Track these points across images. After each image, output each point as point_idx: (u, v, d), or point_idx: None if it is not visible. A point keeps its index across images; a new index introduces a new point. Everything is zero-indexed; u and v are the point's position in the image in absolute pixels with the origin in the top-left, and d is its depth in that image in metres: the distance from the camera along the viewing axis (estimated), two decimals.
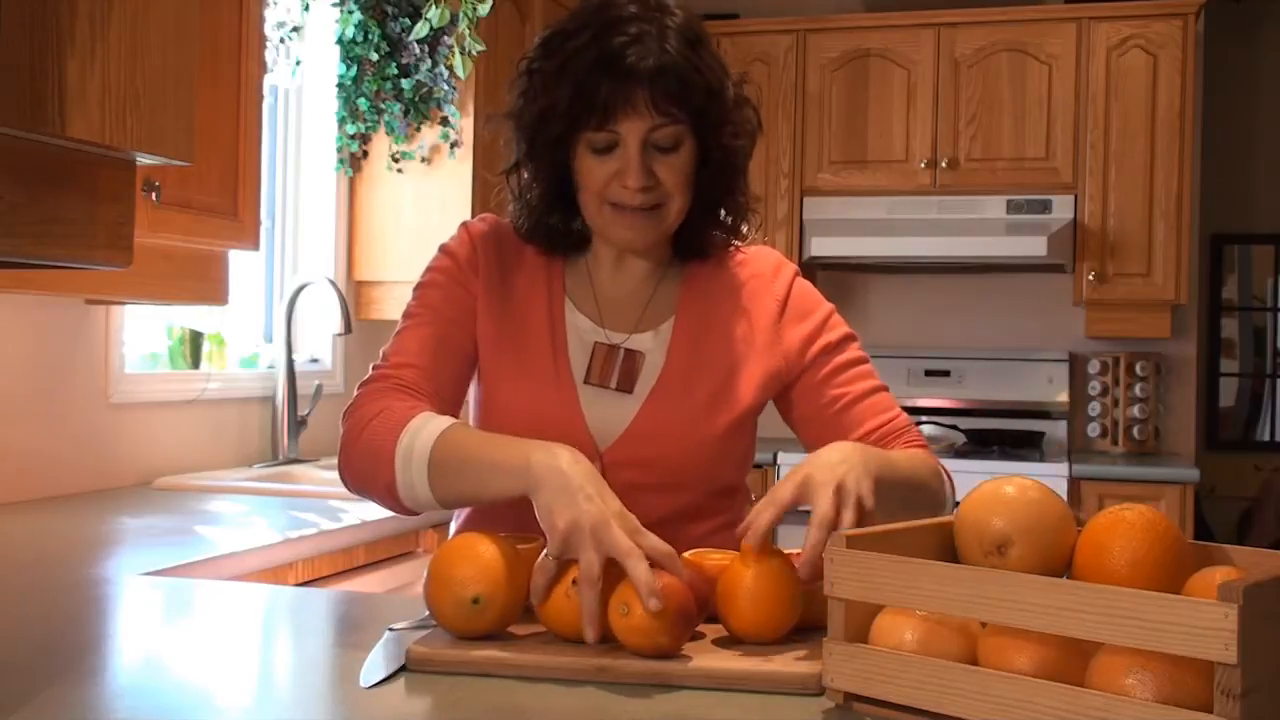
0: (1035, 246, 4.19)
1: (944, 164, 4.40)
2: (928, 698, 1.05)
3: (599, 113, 1.48)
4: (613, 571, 1.23)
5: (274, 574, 2.16)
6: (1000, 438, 4.37)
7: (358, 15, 3.47)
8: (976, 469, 3.92)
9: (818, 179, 4.53)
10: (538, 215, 1.61)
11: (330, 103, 3.60)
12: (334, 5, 3.49)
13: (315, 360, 3.71)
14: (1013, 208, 4.30)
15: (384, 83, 3.54)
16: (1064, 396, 4.52)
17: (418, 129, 3.66)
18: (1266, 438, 5.25)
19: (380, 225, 3.78)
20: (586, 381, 1.59)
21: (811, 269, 4.53)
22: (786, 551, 1.39)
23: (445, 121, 3.64)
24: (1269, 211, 5.18)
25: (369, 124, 3.60)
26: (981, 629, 1.09)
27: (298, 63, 3.49)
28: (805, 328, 1.64)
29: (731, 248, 1.69)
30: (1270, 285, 5.25)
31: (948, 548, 1.15)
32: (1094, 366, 4.48)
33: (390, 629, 1.34)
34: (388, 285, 3.80)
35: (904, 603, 1.08)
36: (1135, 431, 4.40)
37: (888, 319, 4.78)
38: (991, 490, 1.13)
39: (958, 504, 1.17)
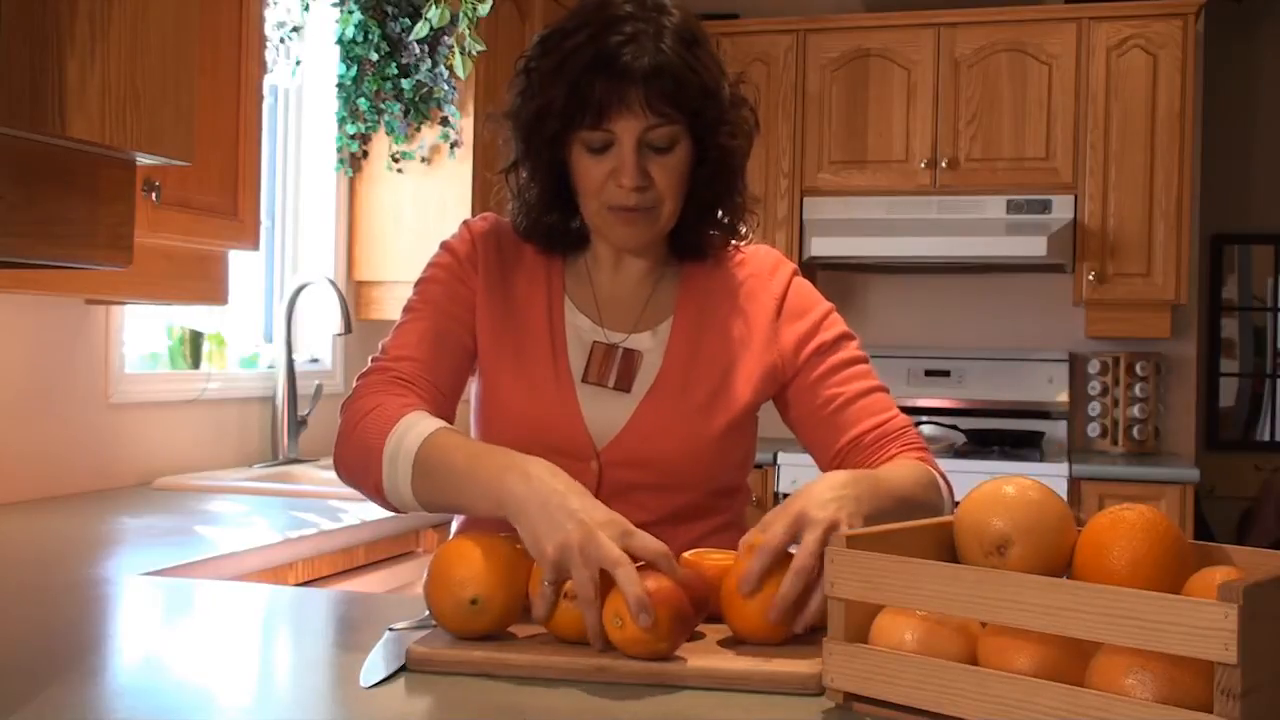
0: (1035, 246, 4.19)
1: (944, 164, 4.40)
2: (928, 698, 1.05)
3: (593, 112, 1.49)
4: (609, 579, 1.22)
5: (274, 574, 2.16)
6: (1000, 438, 4.37)
7: (358, 15, 3.47)
8: (976, 469, 3.92)
9: (818, 179, 4.53)
10: (536, 214, 1.61)
11: (330, 103, 3.60)
12: (334, 5, 3.49)
13: (315, 360, 3.71)
14: (1013, 208, 4.30)
15: (384, 83, 3.54)
16: (1064, 396, 4.52)
17: (418, 129, 3.66)
18: (1266, 438, 5.25)
19: (380, 225, 3.78)
20: (585, 380, 1.59)
21: (811, 269, 4.54)
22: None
23: (445, 121, 3.64)
24: (1269, 211, 5.18)
25: (369, 124, 3.60)
26: (981, 629, 1.09)
27: (298, 63, 3.48)
28: (801, 326, 1.64)
29: (730, 248, 1.69)
30: (1270, 285, 5.25)
31: (948, 548, 1.15)
32: (1094, 366, 4.48)
33: (390, 629, 1.34)
34: (388, 285, 3.79)
35: (904, 603, 1.08)
36: (1135, 431, 4.40)
37: (888, 319, 4.78)
38: (991, 490, 1.13)
39: (957, 504, 1.17)
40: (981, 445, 4.34)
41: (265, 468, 3.23)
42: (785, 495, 4.10)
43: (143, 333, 3.07)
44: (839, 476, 1.36)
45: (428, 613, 1.35)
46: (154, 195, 2.33)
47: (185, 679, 1.27)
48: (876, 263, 4.54)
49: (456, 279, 1.61)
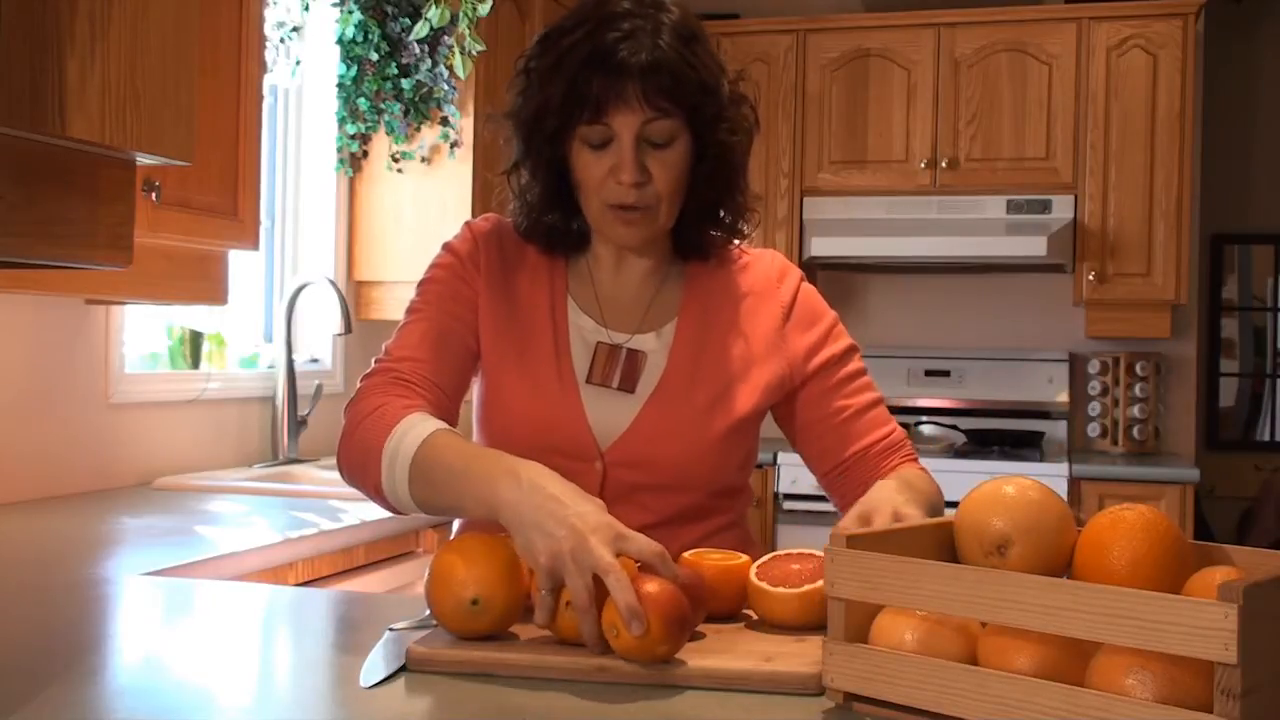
0: (1035, 246, 4.19)
1: (944, 164, 4.40)
2: (928, 698, 1.05)
3: (591, 107, 1.49)
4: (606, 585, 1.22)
5: (274, 574, 2.16)
6: (1000, 438, 4.37)
7: (358, 15, 3.47)
8: (976, 469, 3.92)
9: (818, 179, 4.53)
10: (537, 214, 1.61)
11: (330, 103, 3.60)
12: (334, 5, 3.49)
13: (315, 360, 3.71)
14: (1013, 208, 4.30)
15: (384, 83, 3.54)
16: (1064, 396, 4.52)
17: (418, 129, 3.66)
18: (1266, 438, 5.25)
19: (380, 225, 3.78)
20: (589, 381, 1.59)
21: (811, 269, 4.54)
22: (790, 552, 1.39)
23: (445, 121, 3.64)
24: (1269, 211, 5.18)
25: (369, 124, 3.60)
26: (981, 629, 1.09)
27: (298, 63, 3.49)
28: (811, 336, 1.65)
29: (734, 248, 1.69)
30: (1270, 285, 5.25)
31: (948, 548, 1.15)
32: (1094, 366, 4.48)
33: (390, 629, 1.34)
34: (388, 285, 3.80)
35: (904, 603, 1.08)
36: (1135, 431, 4.40)
37: (888, 319, 4.78)
38: (991, 490, 1.13)
39: (957, 503, 1.17)
40: (981, 445, 4.34)
41: (265, 468, 3.23)
42: (785, 495, 4.12)
43: (143, 333, 3.07)
44: (890, 485, 1.49)
45: (428, 613, 1.35)
46: (154, 195, 2.33)
47: (185, 679, 1.26)
48: (876, 263, 4.54)
49: (459, 279, 1.61)
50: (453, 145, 3.66)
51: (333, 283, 3.36)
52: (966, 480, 1.36)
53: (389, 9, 3.53)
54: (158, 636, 1.52)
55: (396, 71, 3.54)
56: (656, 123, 1.50)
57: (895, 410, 4.60)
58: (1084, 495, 4.01)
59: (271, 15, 3.22)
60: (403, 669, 1.21)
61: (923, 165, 4.41)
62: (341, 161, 3.67)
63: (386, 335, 1.62)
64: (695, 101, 1.52)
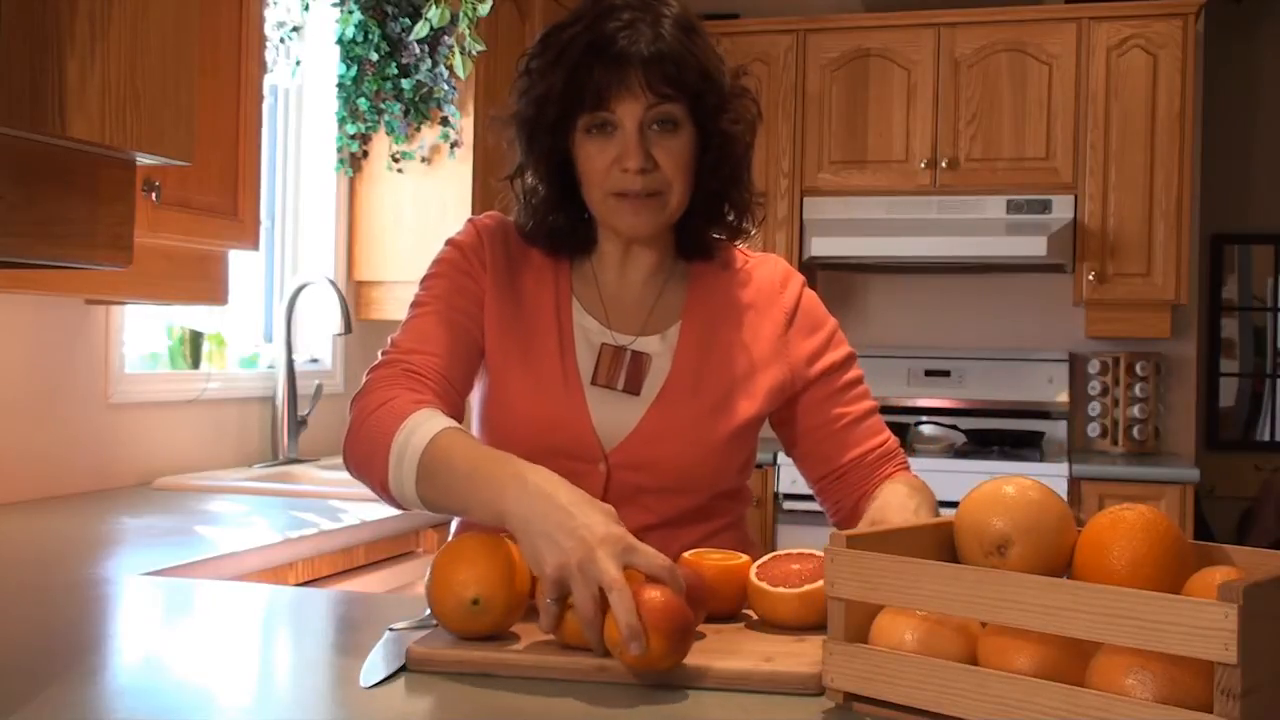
0: (1035, 246, 4.19)
1: (944, 164, 4.40)
2: (928, 698, 1.05)
3: (593, 96, 1.50)
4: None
5: (274, 574, 2.16)
6: (1000, 438, 4.37)
7: (358, 15, 3.47)
8: (976, 469, 3.92)
9: (818, 179, 4.53)
10: (541, 215, 1.61)
11: (330, 103, 3.60)
12: (334, 5, 3.49)
13: (315, 360, 3.71)
14: (1013, 208, 4.30)
15: (384, 83, 3.54)
16: (1064, 396, 4.52)
17: (418, 129, 3.66)
18: (1266, 438, 5.25)
19: (380, 225, 3.78)
20: (593, 383, 1.59)
21: (811, 269, 4.54)
22: (790, 552, 1.39)
23: (445, 121, 3.64)
24: (1269, 211, 5.18)
25: (369, 124, 3.60)
26: (981, 629, 1.09)
27: (298, 63, 3.49)
28: (813, 342, 1.65)
29: (737, 251, 1.69)
30: (1270, 285, 5.25)
31: (948, 548, 1.15)
32: (1094, 366, 4.48)
33: (390, 629, 1.34)
34: (388, 285, 3.80)
35: (904, 603, 1.08)
36: (1135, 431, 4.40)
37: (888, 319, 4.78)
38: (991, 490, 1.13)
39: (957, 504, 1.17)
40: (981, 445, 4.34)
41: (265, 468, 3.23)
42: (785, 495, 4.12)
43: (143, 333, 3.07)
44: (905, 490, 1.54)
45: (428, 613, 1.35)
46: (154, 195, 2.33)
47: (185, 679, 1.26)
48: (876, 263, 4.54)
49: (465, 274, 1.61)
50: (453, 145, 3.66)
51: (333, 283, 3.36)
52: (966, 480, 1.36)
53: (389, 9, 3.53)
54: (158, 636, 1.52)
55: (396, 71, 3.54)
56: (660, 108, 1.51)
57: (895, 410, 4.63)
58: (1084, 495, 4.01)
59: (271, 15, 3.22)
60: (403, 669, 1.21)
61: (923, 165, 4.41)
62: (341, 161, 3.67)
63: (386, 335, 1.62)
64: (698, 89, 1.53)
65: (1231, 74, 5.06)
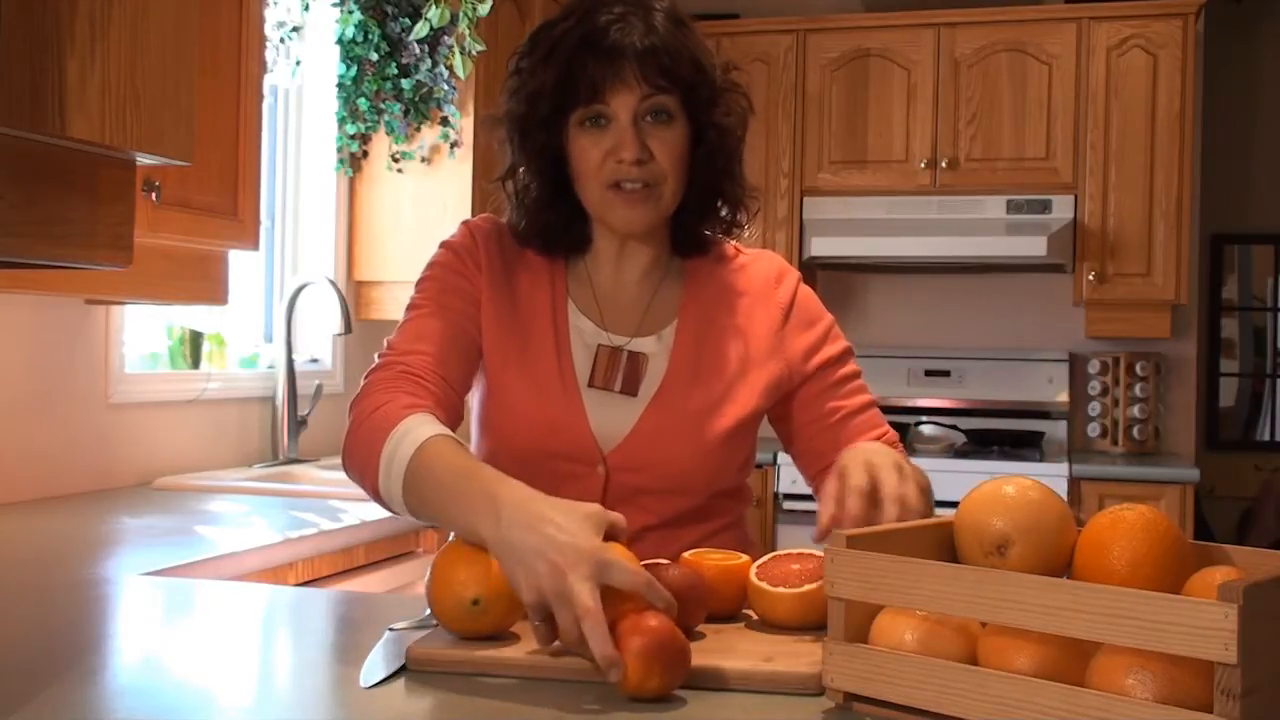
0: (1035, 246, 4.19)
1: (944, 164, 4.40)
2: (928, 698, 1.05)
3: (588, 89, 1.50)
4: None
5: (274, 574, 2.16)
6: (1000, 438, 4.37)
7: (358, 15, 3.47)
8: (976, 469, 3.92)
9: (818, 179, 4.53)
10: (534, 213, 1.60)
11: (330, 103, 3.60)
12: (334, 5, 3.49)
13: (315, 360, 3.71)
14: (1013, 208, 4.30)
15: (384, 83, 3.54)
16: (1064, 396, 4.52)
17: (418, 129, 3.66)
18: (1266, 438, 5.25)
19: (380, 225, 3.78)
20: (590, 385, 1.58)
21: (811, 269, 4.54)
22: (790, 552, 1.39)
23: (445, 121, 3.64)
24: (1269, 211, 5.18)
25: (369, 124, 3.60)
26: (981, 629, 1.09)
27: (298, 63, 3.49)
28: (809, 337, 1.65)
29: (731, 247, 1.69)
30: (1270, 285, 5.25)
31: (948, 548, 1.15)
32: (1094, 366, 4.48)
33: (390, 629, 1.34)
34: (388, 285, 3.80)
35: (904, 603, 1.08)
36: (1135, 431, 4.40)
37: (888, 319, 4.78)
38: (991, 490, 1.13)
39: (957, 504, 1.17)
40: (981, 445, 4.34)
41: (265, 468, 3.23)
42: (785, 495, 4.12)
43: (143, 333, 3.07)
44: (879, 445, 1.44)
45: (428, 612, 1.35)
46: (154, 195, 2.33)
47: (185, 679, 1.26)
48: (876, 263, 4.54)
49: (459, 275, 1.60)
50: (453, 145, 3.66)
51: (333, 283, 3.36)
52: (966, 480, 1.36)
53: (389, 9, 3.53)
54: (158, 636, 1.52)
55: (396, 71, 3.54)
56: (654, 99, 1.51)
57: (895, 410, 4.62)
58: (1084, 495, 4.01)
59: (271, 15, 3.22)
60: (403, 669, 1.21)
61: (923, 165, 4.41)
62: (341, 161, 3.67)
63: (386, 335, 1.61)
64: (691, 81, 1.53)
65: (1231, 74, 5.06)
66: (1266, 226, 5.20)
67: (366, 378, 1.52)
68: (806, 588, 1.32)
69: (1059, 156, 4.32)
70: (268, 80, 3.07)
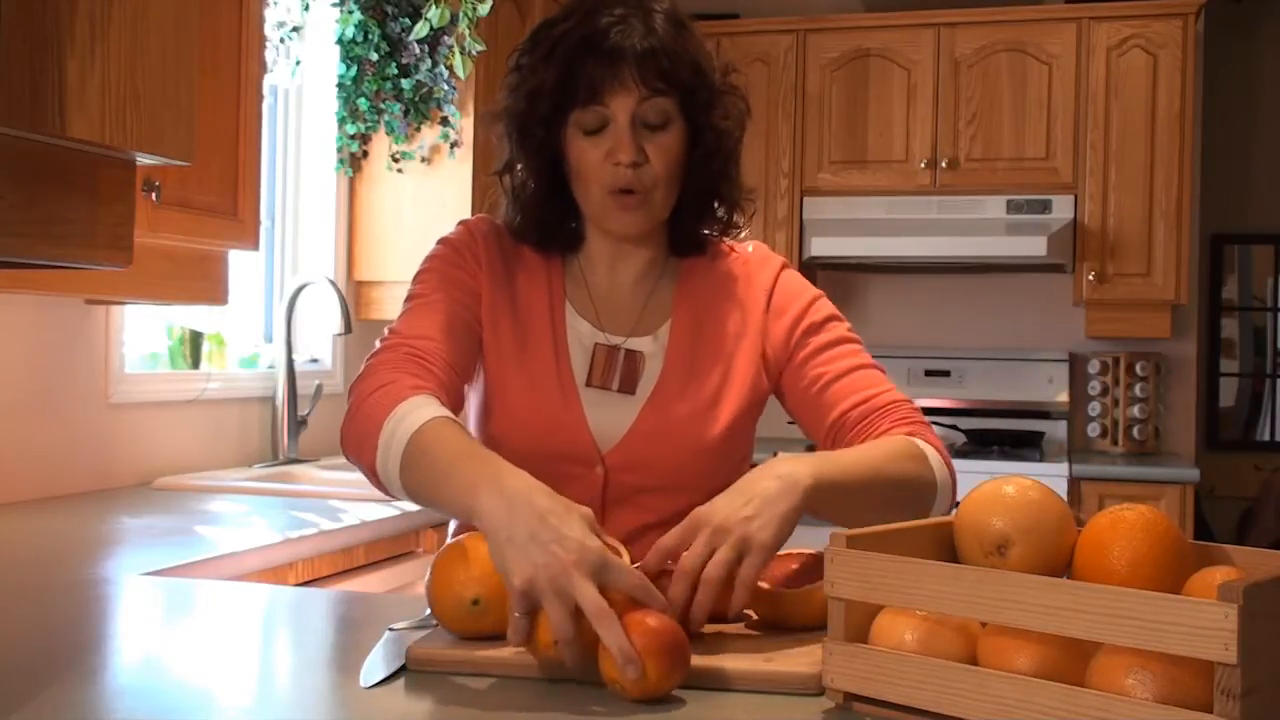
0: (1035, 246, 4.19)
1: (944, 164, 4.40)
2: (928, 698, 1.05)
3: (586, 90, 1.49)
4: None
5: (274, 574, 2.16)
6: (1000, 438, 4.37)
7: (358, 15, 3.47)
8: (976, 469, 3.92)
9: (818, 179, 4.53)
10: (530, 210, 1.60)
11: (330, 103, 3.60)
12: (334, 5, 3.49)
13: (315, 360, 3.71)
14: (1013, 208, 4.30)
15: (384, 83, 3.54)
16: (1064, 396, 4.52)
17: (418, 129, 3.66)
18: (1266, 438, 5.25)
19: (380, 225, 3.78)
20: (588, 384, 1.58)
21: (811, 269, 4.54)
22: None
23: (445, 121, 3.64)
24: (1269, 211, 5.18)
25: (369, 124, 3.60)
26: (981, 629, 1.09)
27: (298, 63, 3.49)
28: (788, 317, 1.62)
29: (725, 244, 1.69)
30: (1270, 285, 5.25)
31: (948, 548, 1.15)
32: (1094, 366, 4.48)
33: (390, 629, 1.34)
34: (388, 285, 3.80)
35: (904, 603, 1.08)
36: (1135, 431, 4.40)
37: (888, 319, 4.78)
38: (991, 490, 1.13)
39: (957, 504, 1.17)
40: (981, 445, 4.34)
41: (265, 468, 3.23)
42: None
43: (143, 333, 3.07)
44: (760, 474, 1.33)
45: (428, 612, 1.35)
46: (154, 195, 2.33)
47: (185, 679, 1.26)
48: (876, 263, 4.54)
49: (459, 269, 1.60)
50: (453, 145, 3.66)
51: (333, 283, 3.36)
52: (966, 480, 1.36)
53: (389, 9, 3.53)
54: (158, 636, 1.52)
55: (396, 71, 3.55)
56: (652, 102, 1.51)
57: None
58: (1084, 495, 4.01)
59: (271, 15, 3.22)
60: (403, 669, 1.21)
61: (923, 165, 4.41)
62: (341, 161, 3.67)
63: (393, 322, 1.60)
64: (690, 84, 1.53)
65: (1231, 74, 5.06)
66: (1266, 226, 5.20)
67: (369, 360, 1.50)
68: (806, 588, 1.32)
69: (1059, 156, 4.32)
70: (268, 80, 3.07)
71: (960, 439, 4.42)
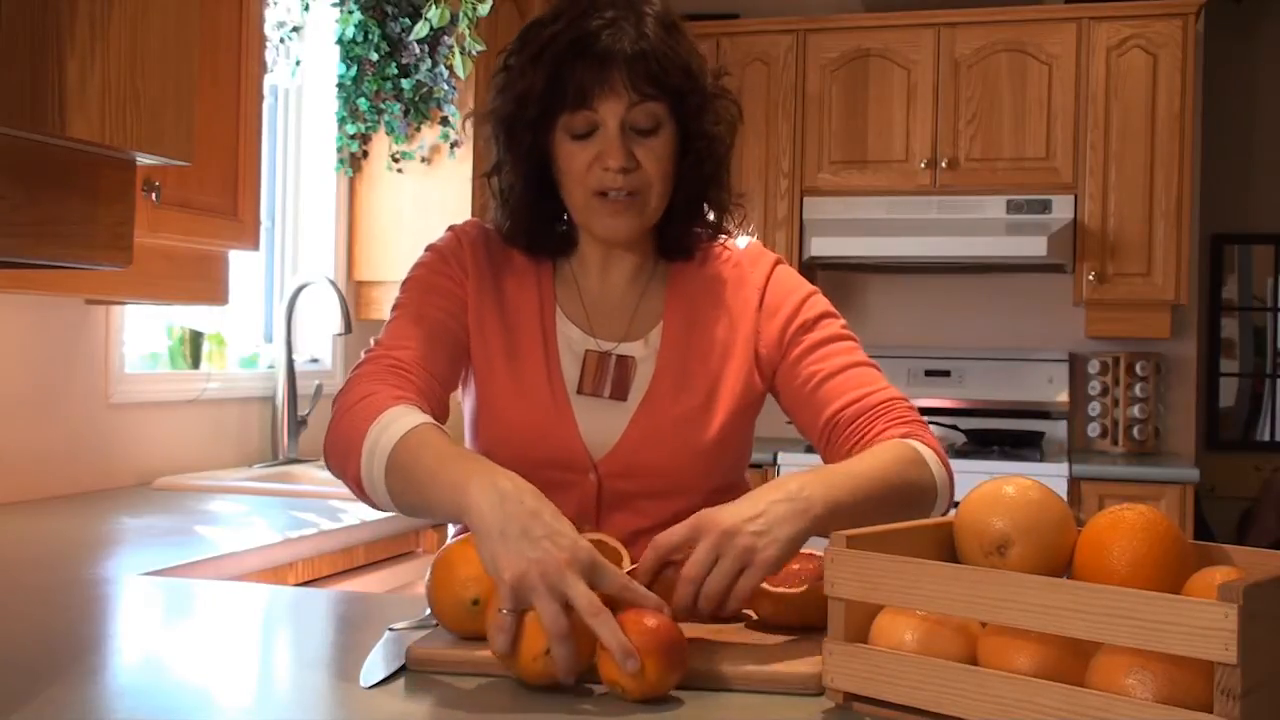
0: (1035, 246, 4.19)
1: (944, 164, 4.40)
2: (928, 698, 1.05)
3: (576, 94, 1.48)
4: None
5: (274, 574, 2.16)
6: (1000, 438, 4.37)
7: (358, 15, 3.47)
8: (976, 469, 3.92)
9: (818, 179, 4.53)
10: (519, 214, 1.59)
11: (330, 103, 3.60)
12: (334, 5, 3.49)
13: (315, 360, 3.71)
14: (1013, 208, 4.30)
15: (384, 83, 3.54)
16: (1064, 396, 4.52)
17: (418, 129, 3.66)
18: (1266, 438, 5.25)
19: (380, 225, 3.78)
20: (579, 391, 1.57)
21: (811, 269, 4.54)
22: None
23: (445, 121, 3.64)
24: (1269, 211, 5.18)
25: (369, 124, 3.60)
26: (981, 629, 1.09)
27: (298, 63, 3.49)
28: (782, 314, 1.60)
29: (717, 243, 1.67)
30: (1270, 285, 5.24)
31: (948, 548, 1.15)
32: (1094, 366, 4.48)
33: (390, 629, 1.34)
34: (388, 285, 3.79)
35: (904, 603, 1.08)
36: (1135, 431, 4.40)
37: (888, 319, 4.78)
38: (991, 490, 1.13)
39: (957, 503, 1.17)
40: (981, 445, 4.34)
41: (265, 468, 3.23)
42: None
43: (143, 333, 3.07)
44: (773, 489, 1.33)
45: (428, 612, 1.35)
46: (154, 195, 2.33)
47: (185, 679, 1.27)
48: (876, 263, 4.54)
49: (445, 277, 1.59)
50: (453, 145, 3.66)
51: (333, 283, 3.36)
52: (966, 480, 1.37)
53: (389, 9, 3.53)
54: (158, 636, 1.52)
55: (396, 71, 3.55)
56: (642, 107, 1.49)
57: None
58: (1084, 495, 4.01)
59: (271, 15, 3.22)
60: (403, 669, 1.21)
61: (923, 165, 4.41)
62: (341, 161, 3.67)
63: (379, 333, 1.61)
64: (680, 88, 1.51)
65: (1231, 74, 5.06)
66: (1266, 226, 5.19)
67: (351, 373, 1.52)
68: (806, 588, 1.32)
69: (1059, 156, 4.32)
70: (268, 80, 3.07)
71: (960, 439, 4.42)
